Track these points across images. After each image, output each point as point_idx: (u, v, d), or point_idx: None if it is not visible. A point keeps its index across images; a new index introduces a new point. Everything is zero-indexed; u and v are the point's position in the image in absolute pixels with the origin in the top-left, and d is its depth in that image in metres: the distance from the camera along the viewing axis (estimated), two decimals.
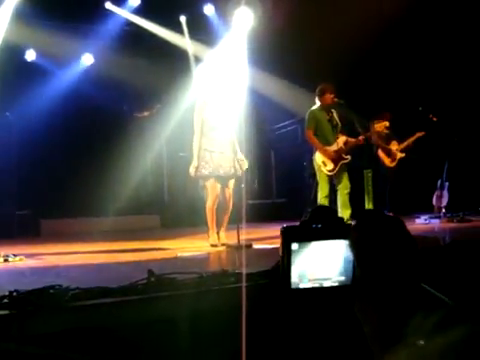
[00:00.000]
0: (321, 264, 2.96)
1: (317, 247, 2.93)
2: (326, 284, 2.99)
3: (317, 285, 2.98)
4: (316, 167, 7.72)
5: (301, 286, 2.96)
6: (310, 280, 2.97)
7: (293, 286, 2.95)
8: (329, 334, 3.22)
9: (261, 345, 2.84)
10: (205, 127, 6.45)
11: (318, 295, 2.99)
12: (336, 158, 7.57)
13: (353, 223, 2.00)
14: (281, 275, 2.95)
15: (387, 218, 2.00)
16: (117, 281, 3.35)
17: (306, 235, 2.94)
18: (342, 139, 7.66)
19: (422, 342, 1.69)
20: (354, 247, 1.91)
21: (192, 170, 6.40)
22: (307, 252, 2.92)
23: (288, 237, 2.91)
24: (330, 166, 7.58)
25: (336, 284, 2.97)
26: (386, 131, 9.00)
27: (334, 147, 7.63)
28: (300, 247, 2.91)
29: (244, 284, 2.93)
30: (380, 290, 1.79)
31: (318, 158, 7.67)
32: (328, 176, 7.60)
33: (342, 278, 2.97)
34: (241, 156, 6.48)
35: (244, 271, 3.32)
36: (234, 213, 6.38)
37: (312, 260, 2.94)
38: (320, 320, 3.19)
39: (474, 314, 1.79)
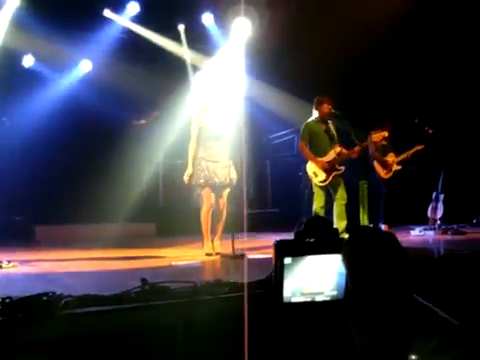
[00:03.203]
0: (314, 278, 2.96)
1: (310, 261, 2.93)
2: (319, 298, 2.98)
3: (309, 299, 2.97)
4: (309, 178, 7.73)
5: (293, 300, 2.96)
6: (303, 294, 2.96)
7: (285, 300, 2.94)
8: (321, 348, 3.22)
9: (255, 355, 2.83)
10: (202, 135, 6.47)
11: (310, 309, 2.98)
12: (329, 169, 7.56)
13: (346, 238, 2.01)
14: (273, 289, 2.95)
15: (380, 233, 2.01)
16: (110, 289, 3.35)
17: (299, 249, 2.93)
18: (336, 150, 7.65)
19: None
20: (347, 261, 1.92)
21: (186, 178, 6.43)
22: (300, 266, 2.92)
23: (281, 251, 2.90)
24: (322, 177, 7.57)
25: (328, 298, 2.97)
26: (384, 142, 9.01)
27: (327, 158, 7.64)
28: (293, 261, 2.90)
29: (246, 294, 2.92)
30: (372, 304, 1.79)
31: (309, 169, 7.67)
32: (323, 187, 7.60)
33: (335, 292, 2.96)
34: (234, 171, 6.50)
35: (246, 280, 3.32)
36: (229, 222, 6.38)
37: (305, 274, 2.94)
38: (312, 334, 3.19)
39: (474, 335, 1.80)
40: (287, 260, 2.89)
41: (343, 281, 2.85)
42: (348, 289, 1.92)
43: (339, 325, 2.14)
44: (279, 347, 3.20)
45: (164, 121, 10.18)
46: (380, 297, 1.78)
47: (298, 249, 2.94)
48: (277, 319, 3.12)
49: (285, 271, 2.89)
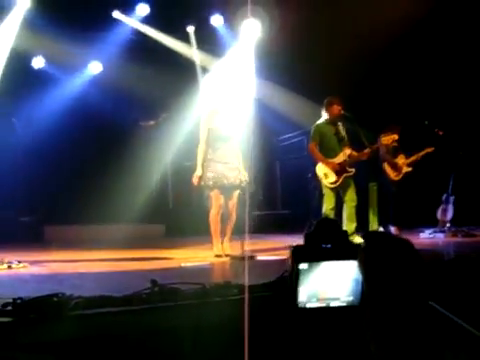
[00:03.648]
0: (330, 284, 2.95)
1: (326, 267, 2.93)
2: (334, 304, 2.97)
3: (324, 305, 2.97)
4: (319, 179, 7.72)
5: (308, 305, 2.95)
6: (318, 300, 2.96)
7: (300, 305, 2.94)
8: (335, 353, 3.21)
9: (264, 358, 2.83)
10: (212, 137, 6.47)
11: (325, 315, 2.98)
12: (339, 170, 7.55)
13: (362, 244, 2.00)
14: (288, 294, 2.95)
15: (395, 239, 1.99)
16: (120, 290, 3.35)
17: (315, 255, 2.94)
18: (346, 152, 7.64)
19: None
20: (363, 268, 1.91)
21: (195, 179, 6.42)
22: (316, 272, 2.92)
23: (297, 256, 2.90)
24: (332, 178, 7.57)
25: (344, 304, 2.96)
26: (394, 144, 8.97)
27: (338, 159, 7.63)
28: (309, 267, 2.90)
29: (247, 297, 2.91)
30: (388, 311, 1.78)
31: (319, 170, 7.67)
32: (333, 188, 7.58)
33: (350, 298, 2.96)
34: (244, 172, 6.49)
35: (247, 282, 3.31)
36: (239, 224, 6.37)
37: (321, 280, 2.94)
38: (327, 339, 3.18)
39: None
40: (303, 265, 2.89)
41: (359, 287, 2.84)
42: (364, 295, 1.91)
43: (354, 331, 2.13)
44: (292, 352, 3.19)
45: (173, 122, 10.19)
46: (396, 304, 1.77)
47: (314, 255, 2.93)
48: (292, 324, 3.11)
49: (300, 276, 2.89)
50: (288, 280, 2.98)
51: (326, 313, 2.97)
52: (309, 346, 3.18)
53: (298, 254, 2.91)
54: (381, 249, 1.88)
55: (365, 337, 1.84)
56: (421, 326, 1.74)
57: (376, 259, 1.86)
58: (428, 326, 1.76)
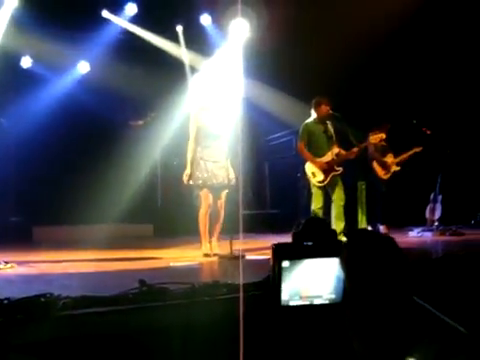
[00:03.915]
0: (313, 282, 2.95)
1: (308, 265, 2.92)
2: (317, 302, 2.97)
3: (307, 303, 2.97)
4: (308, 178, 7.74)
5: (291, 303, 2.95)
6: (301, 297, 2.95)
7: (283, 303, 2.93)
8: (319, 351, 3.22)
9: (253, 358, 2.83)
10: (200, 135, 6.47)
11: (308, 312, 2.97)
12: (327, 169, 7.58)
13: (344, 241, 2.00)
14: (271, 292, 2.94)
15: (378, 236, 2.00)
16: (108, 290, 3.34)
17: (297, 253, 2.93)
18: (334, 151, 7.67)
19: None
20: (345, 265, 1.91)
21: (185, 178, 6.43)
22: (298, 269, 2.91)
23: (279, 254, 2.89)
24: (320, 177, 7.59)
25: (327, 302, 2.96)
26: (382, 143, 9.00)
27: (326, 158, 7.65)
28: (291, 264, 2.89)
29: (241, 296, 2.91)
30: (370, 307, 1.79)
31: (308, 169, 7.69)
32: (321, 187, 7.60)
33: (333, 296, 2.96)
34: (232, 171, 6.50)
35: (241, 281, 3.31)
36: (227, 223, 6.38)
37: (303, 277, 2.93)
38: (310, 337, 3.18)
39: (476, 344, 1.80)
40: (285, 263, 2.88)
41: (341, 285, 2.83)
42: (346, 293, 1.91)
43: (337, 328, 2.13)
44: (277, 350, 3.19)
45: (162, 122, 10.18)
46: (378, 300, 1.78)
47: (296, 252, 2.93)
48: (274, 322, 3.11)
49: (283, 274, 2.88)
50: (270, 278, 2.98)
51: (309, 311, 2.97)
52: (293, 344, 3.18)
53: (280, 252, 2.91)
54: (363, 246, 1.88)
55: (348, 335, 1.85)
56: (403, 322, 1.75)
57: (358, 256, 1.86)
58: (411, 322, 1.76)
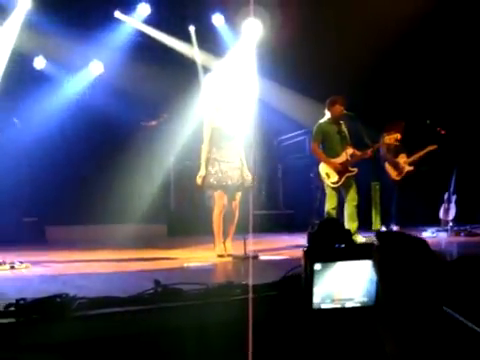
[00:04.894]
0: (344, 285, 2.93)
1: (341, 267, 2.91)
2: (348, 305, 2.95)
3: (339, 306, 2.95)
4: (322, 179, 7.72)
5: (323, 306, 2.94)
6: (333, 300, 2.94)
7: (314, 306, 2.92)
8: (350, 355, 3.20)
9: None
10: (215, 136, 6.46)
11: (340, 316, 2.96)
12: (342, 170, 7.55)
13: (376, 244, 1.97)
14: (303, 295, 2.92)
15: (411, 239, 1.96)
16: (123, 291, 3.34)
17: (329, 255, 2.91)
18: (349, 151, 7.64)
19: None
20: (377, 268, 1.89)
21: (199, 179, 6.41)
22: (330, 272, 2.90)
23: (311, 257, 2.88)
24: (334, 178, 7.56)
25: (359, 305, 2.94)
26: (396, 143, 8.94)
27: (340, 159, 7.62)
28: (323, 267, 2.88)
29: (250, 296, 2.90)
30: (402, 312, 1.76)
31: (321, 170, 7.66)
32: (335, 188, 7.58)
33: (365, 299, 2.94)
34: (247, 172, 6.49)
35: (251, 282, 3.30)
36: (241, 223, 6.37)
37: (335, 280, 2.92)
38: (341, 340, 3.16)
39: None
40: (317, 266, 2.87)
41: (373, 287, 2.82)
42: (378, 296, 1.89)
43: (369, 332, 2.11)
44: (306, 354, 3.17)
45: (175, 122, 10.19)
46: (410, 305, 1.75)
47: (328, 255, 2.91)
48: (306, 325, 3.09)
49: (315, 277, 2.87)
50: (302, 281, 2.95)
51: (341, 314, 2.95)
52: (324, 348, 3.17)
53: (312, 254, 2.89)
54: (396, 249, 1.86)
55: (380, 338, 1.83)
56: (436, 328, 1.73)
57: (391, 259, 1.84)
58: (442, 329, 1.74)
